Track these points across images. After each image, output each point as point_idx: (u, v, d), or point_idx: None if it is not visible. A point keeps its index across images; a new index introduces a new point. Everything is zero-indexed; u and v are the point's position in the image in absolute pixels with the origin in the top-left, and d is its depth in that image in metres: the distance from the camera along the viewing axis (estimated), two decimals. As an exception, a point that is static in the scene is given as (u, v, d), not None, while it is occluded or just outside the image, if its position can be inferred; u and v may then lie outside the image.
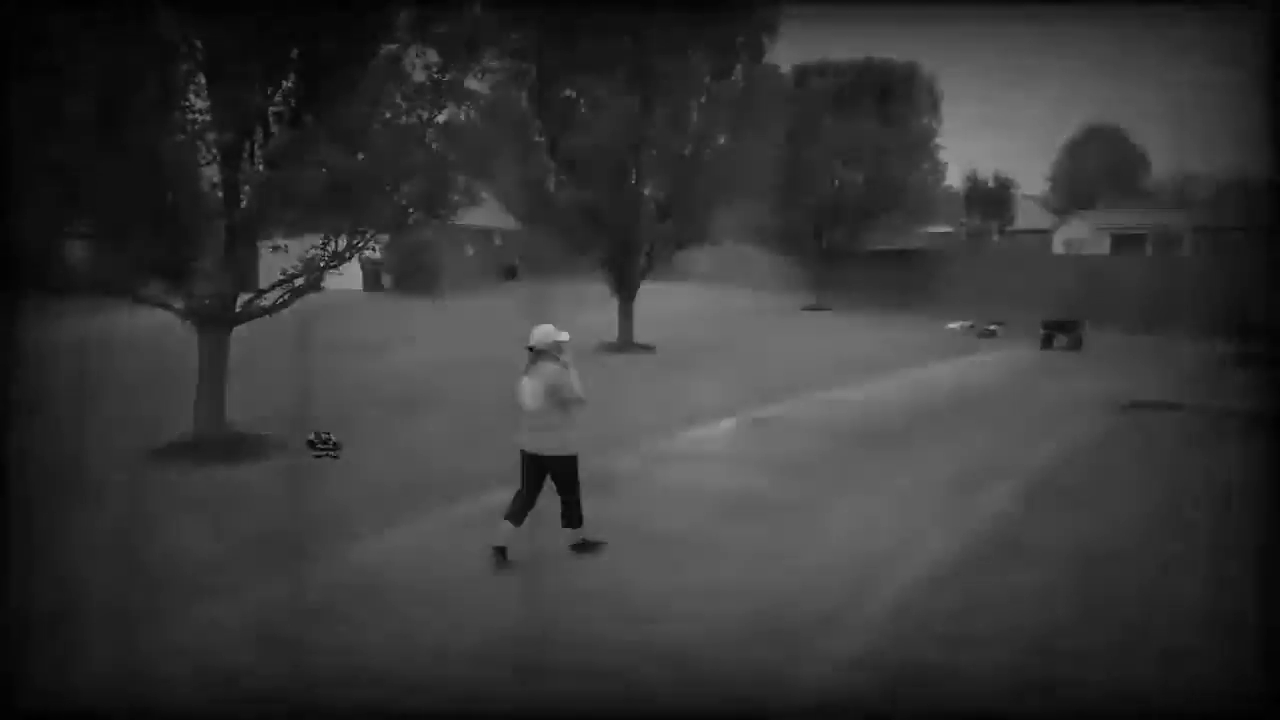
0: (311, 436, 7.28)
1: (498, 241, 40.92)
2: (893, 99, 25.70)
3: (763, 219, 27.90)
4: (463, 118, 9.99)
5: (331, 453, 7.20)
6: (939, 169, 27.26)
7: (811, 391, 13.82)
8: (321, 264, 9.72)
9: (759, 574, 6.20)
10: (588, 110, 16.06)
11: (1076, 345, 19.94)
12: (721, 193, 17.43)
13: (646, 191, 17.51)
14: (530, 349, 6.23)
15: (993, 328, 22.47)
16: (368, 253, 10.33)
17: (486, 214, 34.82)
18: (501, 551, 6.13)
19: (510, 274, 41.78)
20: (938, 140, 26.90)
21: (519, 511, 6.24)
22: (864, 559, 6.46)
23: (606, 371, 15.46)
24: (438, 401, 12.69)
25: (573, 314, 23.12)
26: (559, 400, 6.14)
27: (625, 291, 17.94)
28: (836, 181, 26.57)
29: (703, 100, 16.73)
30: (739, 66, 17.30)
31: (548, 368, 6.16)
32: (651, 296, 24.96)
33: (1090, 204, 65.76)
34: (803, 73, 25.91)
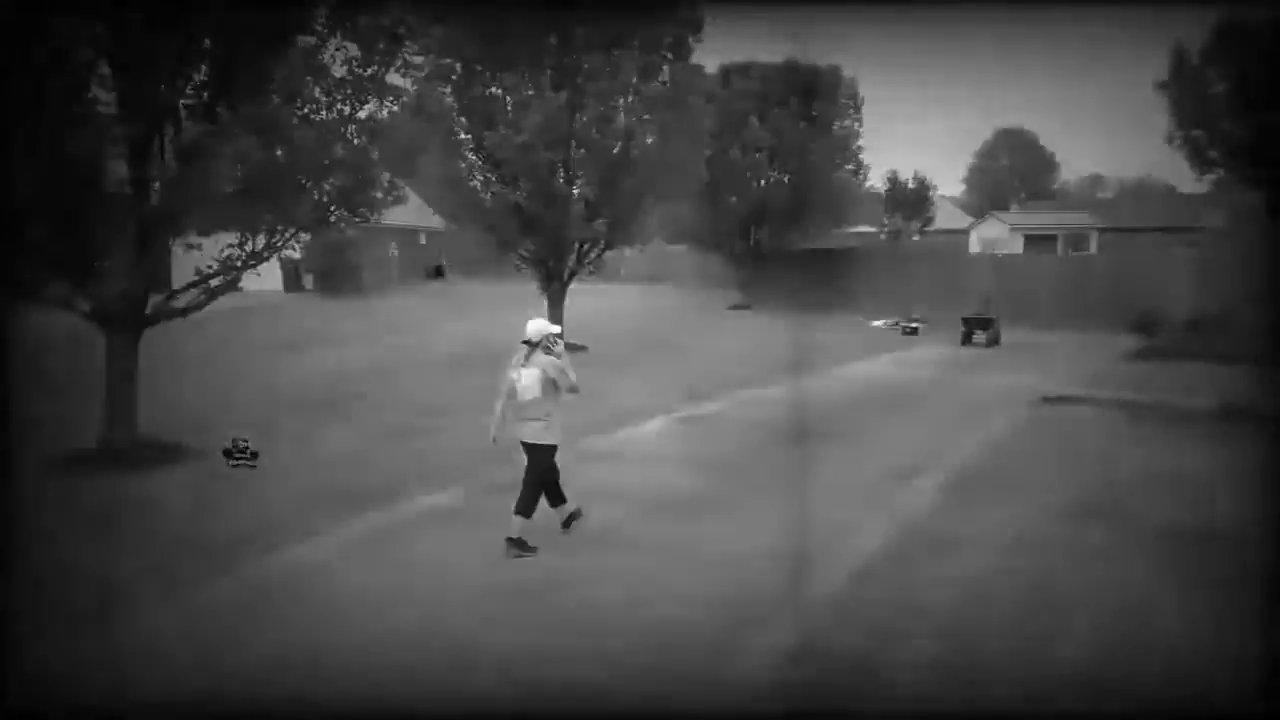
0: (228, 444, 6.97)
1: (423, 241, 40.26)
2: (816, 100, 26.13)
3: (691, 219, 28.06)
4: (385, 114, 9.73)
5: (248, 461, 6.91)
6: (861, 170, 27.88)
7: (740, 390, 13.94)
8: (238, 263, 9.38)
9: (685, 573, 6.19)
10: (514, 108, 15.90)
11: (994, 341, 20.59)
12: (650, 192, 17.43)
13: (575, 191, 17.40)
14: (525, 342, 6.54)
15: (915, 325, 23.06)
16: (287, 252, 10.00)
17: (412, 213, 34.19)
18: (574, 514, 6.98)
19: (437, 273, 41.15)
20: (860, 142, 27.48)
21: (554, 495, 6.86)
22: (793, 554, 6.51)
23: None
24: (360, 404, 12.37)
25: (502, 314, 22.98)
26: (556, 388, 6.52)
27: (554, 291, 17.80)
28: (762, 182, 26.88)
29: (630, 99, 16.71)
30: (665, 66, 17.33)
31: (543, 359, 6.49)
32: (582, 296, 24.86)
33: (1003, 205, 68.14)
34: (728, 73, 26.13)
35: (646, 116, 16.84)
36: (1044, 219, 52.56)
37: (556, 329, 6.73)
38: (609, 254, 18.44)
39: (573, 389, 6.58)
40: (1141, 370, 15.64)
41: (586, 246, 17.71)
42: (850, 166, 27.57)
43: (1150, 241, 44.44)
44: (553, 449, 6.65)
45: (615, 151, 16.96)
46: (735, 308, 28.34)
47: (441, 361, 16.28)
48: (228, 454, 6.94)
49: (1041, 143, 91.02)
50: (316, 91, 9.02)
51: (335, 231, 11.20)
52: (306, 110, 8.90)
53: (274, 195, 8.67)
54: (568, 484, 8.54)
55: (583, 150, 16.44)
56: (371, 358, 16.59)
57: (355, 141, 9.47)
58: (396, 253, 37.95)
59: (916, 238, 49.40)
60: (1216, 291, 20.14)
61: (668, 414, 11.99)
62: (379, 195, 9.70)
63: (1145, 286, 22.36)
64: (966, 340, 20.78)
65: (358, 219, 9.79)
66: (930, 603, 5.60)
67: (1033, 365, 17.05)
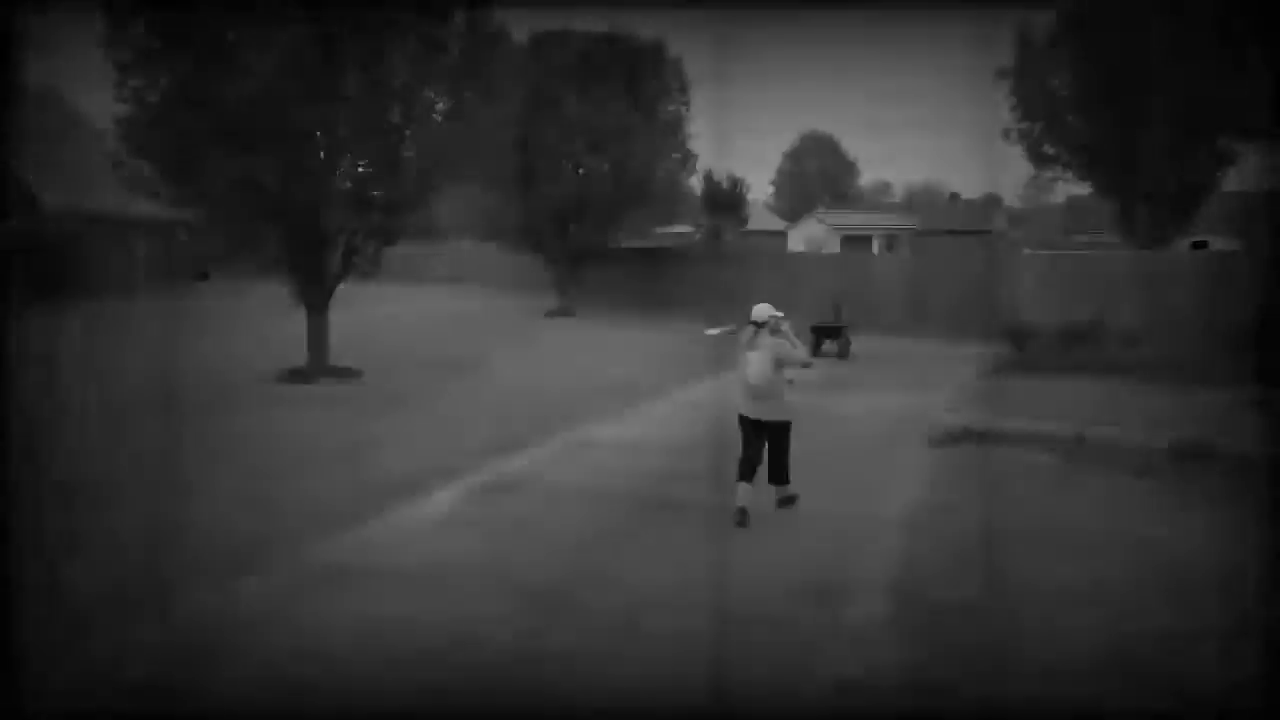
0: None
1: (184, 237, 33.83)
2: (641, 78, 22.91)
3: (500, 211, 24.20)
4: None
5: None
6: (690, 160, 24.89)
7: (565, 429, 10.43)
8: None
9: None
10: (247, 48, 11.51)
11: (845, 351, 18.23)
12: (439, 172, 13.51)
13: (340, 168, 13.22)
14: (753, 323, 7.04)
15: (755, 334, 20.32)
16: None
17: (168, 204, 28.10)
18: (743, 511, 6.86)
19: (201, 276, 34.87)
20: (689, 129, 24.51)
21: (748, 472, 7.01)
22: None
23: (275, 416, 11.05)
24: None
25: (262, 325, 18.38)
26: (784, 366, 6.97)
27: (315, 299, 13.47)
28: (581, 169, 23.38)
29: (410, 42, 12.68)
30: (459, 13, 13.45)
31: (770, 340, 6.96)
32: (365, 303, 20.53)
33: (811, 207, 68.77)
34: (540, 41, 22.44)
35: (434, 72, 12.90)
36: (861, 220, 52.73)
37: (781, 314, 7.08)
38: (389, 249, 14.27)
39: (806, 364, 7.19)
40: (1028, 388, 13.48)
41: (357, 239, 13.50)
42: (678, 155, 24.55)
43: (960, 244, 45.00)
44: (788, 424, 7.09)
45: (394, 118, 12.95)
46: (553, 314, 24.78)
47: (110, 407, 11.59)
48: None
49: (842, 147, 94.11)
50: None
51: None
52: None
53: None
54: (268, 632, 4.74)
55: (349, 112, 12.26)
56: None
57: None
58: (144, 251, 31.50)
59: (730, 238, 47.96)
60: (1069, 297, 18.74)
61: (461, 479, 8.26)
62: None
63: (988, 290, 20.80)
64: (815, 350, 18.24)
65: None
66: None
67: (899, 382, 14.62)
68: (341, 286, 14.00)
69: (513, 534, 6.80)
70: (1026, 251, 21.52)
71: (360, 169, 13.12)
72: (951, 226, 53.35)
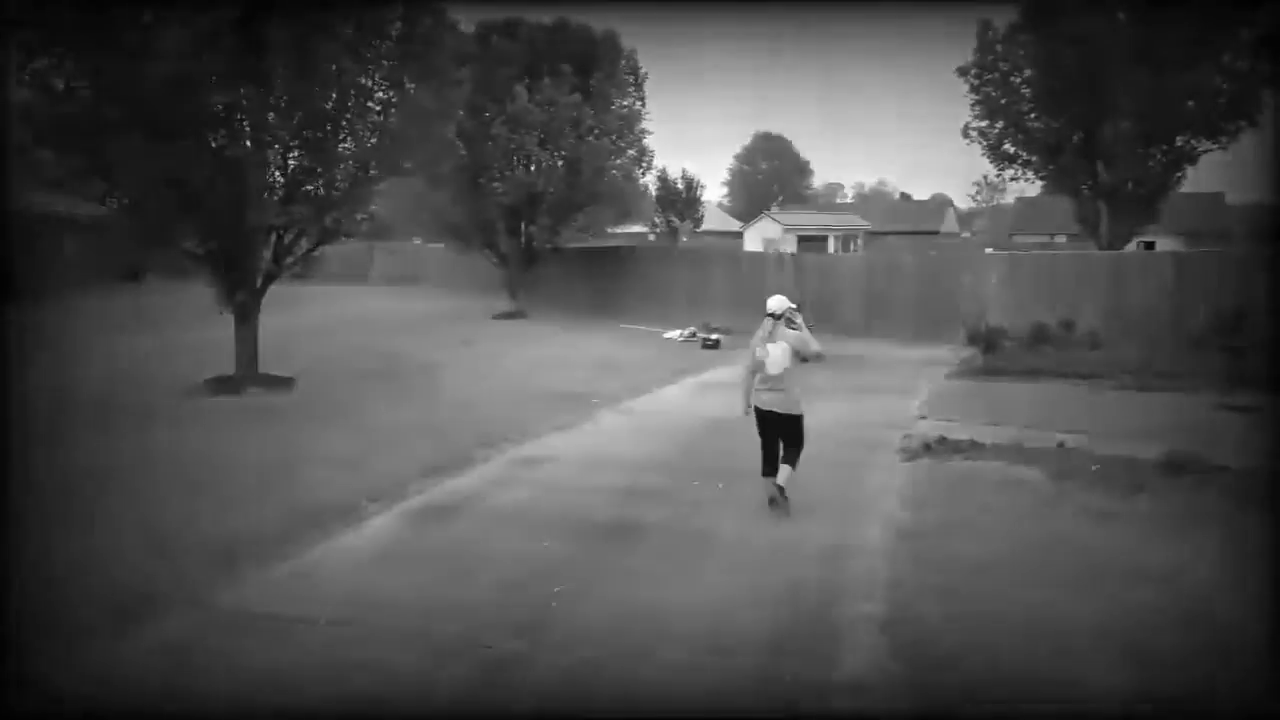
0: None
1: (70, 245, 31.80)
2: (594, 72, 22.10)
3: (448, 209, 23.22)
4: None
5: None
6: (646, 156, 24.11)
7: (510, 444, 9.62)
8: None
9: None
10: (161, 26, 10.47)
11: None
12: (379, 166, 12.59)
13: (269, 160, 12.21)
14: (771, 315, 6.99)
15: (715, 337, 19.69)
16: None
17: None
18: (775, 500, 7.06)
19: (132, 276, 33.12)
20: (644, 125, 23.71)
21: (771, 470, 7.14)
22: None
23: (196, 431, 10.05)
24: None
25: (188, 330, 17.26)
26: (803, 358, 6.95)
27: (243, 302, 12.44)
28: (533, 166, 22.49)
29: (349, 30, 11.77)
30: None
31: (788, 333, 6.97)
32: (302, 305, 19.48)
33: (764, 207, 68.70)
34: (487, 32, 21.50)
35: (372, 56, 11.98)
36: (815, 220, 52.53)
37: (794, 305, 7.12)
38: (327, 248, 13.29)
39: (819, 357, 7.02)
40: (999, 393, 13.00)
41: (288, 237, 12.52)
42: (633, 152, 23.77)
43: (917, 243, 45.03)
44: (801, 417, 7.02)
45: (329, 105, 12.01)
46: (504, 316, 23.86)
47: (11, 421, 10.49)
48: None
49: (795, 147, 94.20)
50: None
51: None
52: None
53: None
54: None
55: (278, 98, 11.29)
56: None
57: None
58: (70, 250, 29.74)
59: (685, 239, 47.45)
60: (1030, 298, 18.42)
61: (397, 503, 7.42)
62: None
63: (949, 291, 20.39)
64: (777, 354, 17.62)
65: None
66: None
67: (867, 387, 14.06)
68: (274, 288, 13.03)
69: (449, 568, 6.00)
70: (989, 251, 21.14)
71: (291, 161, 12.12)
72: (903, 227, 53.59)
